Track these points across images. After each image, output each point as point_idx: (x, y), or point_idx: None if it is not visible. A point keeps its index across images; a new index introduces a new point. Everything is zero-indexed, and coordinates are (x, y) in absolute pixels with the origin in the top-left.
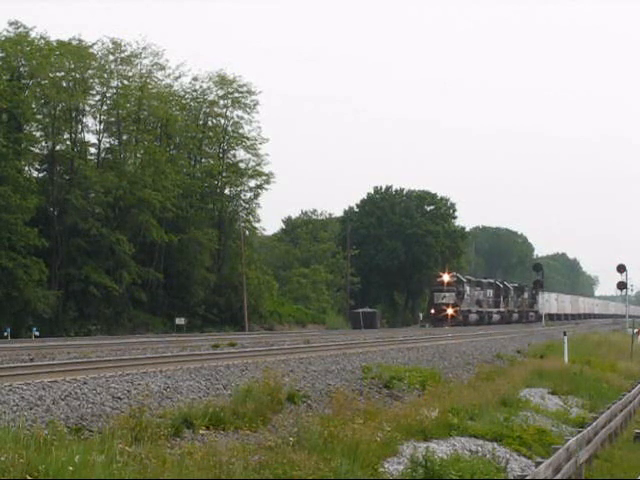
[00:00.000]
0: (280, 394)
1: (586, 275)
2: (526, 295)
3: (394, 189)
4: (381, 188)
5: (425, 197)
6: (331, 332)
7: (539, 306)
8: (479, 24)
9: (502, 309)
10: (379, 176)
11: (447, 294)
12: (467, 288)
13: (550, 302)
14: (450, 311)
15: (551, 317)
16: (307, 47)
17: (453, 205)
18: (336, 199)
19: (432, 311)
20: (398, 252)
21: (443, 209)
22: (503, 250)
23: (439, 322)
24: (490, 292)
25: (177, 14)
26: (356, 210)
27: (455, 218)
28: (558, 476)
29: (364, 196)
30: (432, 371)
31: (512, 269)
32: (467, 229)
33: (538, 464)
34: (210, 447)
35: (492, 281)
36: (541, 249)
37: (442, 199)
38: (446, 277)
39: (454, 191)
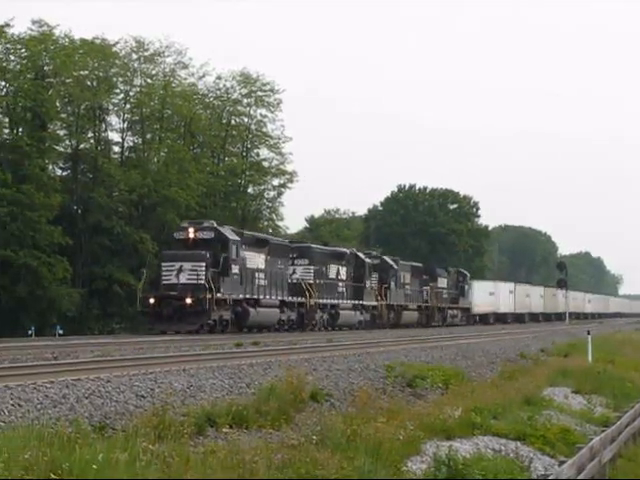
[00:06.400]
0: (303, 392)
1: (610, 274)
2: (443, 283)
3: (417, 187)
4: (404, 186)
5: (448, 195)
6: (353, 330)
7: (472, 300)
8: (494, 26)
9: (370, 302)
10: (403, 174)
11: (189, 265)
12: (247, 255)
13: (499, 295)
14: (189, 300)
15: (499, 318)
16: (318, 47)
17: (476, 204)
18: (360, 198)
19: (151, 300)
20: (422, 251)
21: (466, 207)
22: (527, 249)
23: (163, 322)
24: (340, 270)
25: (200, 14)
26: (380, 209)
27: (478, 217)
28: (581, 475)
29: (388, 194)
30: (455, 370)
31: (536, 268)
32: (490, 228)
33: (561, 463)
34: (233, 446)
35: (347, 251)
36: (565, 248)
37: (465, 197)
38: (191, 231)
39: (477, 189)
